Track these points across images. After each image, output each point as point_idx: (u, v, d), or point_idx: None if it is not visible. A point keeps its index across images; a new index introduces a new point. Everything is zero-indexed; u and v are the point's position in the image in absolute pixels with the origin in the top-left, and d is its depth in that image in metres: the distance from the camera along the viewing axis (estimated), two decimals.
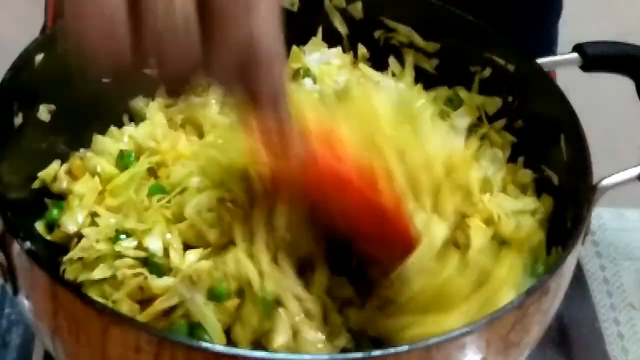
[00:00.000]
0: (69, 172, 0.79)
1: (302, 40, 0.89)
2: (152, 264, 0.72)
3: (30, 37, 0.77)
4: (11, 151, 0.73)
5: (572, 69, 0.83)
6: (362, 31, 0.89)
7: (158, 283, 0.70)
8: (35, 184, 0.77)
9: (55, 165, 0.78)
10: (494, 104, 0.85)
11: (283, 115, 0.57)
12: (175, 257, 0.71)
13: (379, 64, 0.89)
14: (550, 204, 0.78)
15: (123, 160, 0.78)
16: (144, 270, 0.71)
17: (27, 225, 0.75)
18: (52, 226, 0.76)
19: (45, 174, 0.78)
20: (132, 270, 0.71)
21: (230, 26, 0.52)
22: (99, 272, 0.71)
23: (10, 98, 0.74)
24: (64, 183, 0.78)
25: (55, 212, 0.76)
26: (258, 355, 0.60)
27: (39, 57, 0.76)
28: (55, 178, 0.78)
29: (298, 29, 0.88)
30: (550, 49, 1.08)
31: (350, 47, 0.90)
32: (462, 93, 0.86)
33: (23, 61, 0.75)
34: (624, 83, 0.84)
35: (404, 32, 0.88)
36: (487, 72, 0.85)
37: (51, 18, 1.06)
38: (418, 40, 0.88)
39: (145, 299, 0.71)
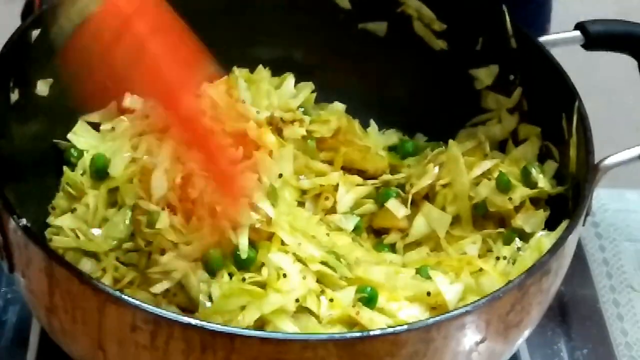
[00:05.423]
0: None
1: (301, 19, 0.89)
2: None
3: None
4: (7, 128, 0.73)
5: (573, 47, 0.83)
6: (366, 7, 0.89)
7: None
8: None
9: None
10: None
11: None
12: None
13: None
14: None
15: None
16: None
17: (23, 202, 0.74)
18: None
19: None
20: None
21: None
22: None
23: (6, 75, 0.73)
24: None
25: None
26: (253, 334, 0.60)
27: (35, 33, 0.75)
28: None
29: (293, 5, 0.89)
30: (544, 27, 1.08)
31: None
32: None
33: (18, 37, 0.74)
34: (627, 63, 0.83)
35: (414, 6, 0.87)
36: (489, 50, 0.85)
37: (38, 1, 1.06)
38: (427, 12, 0.87)
39: None
